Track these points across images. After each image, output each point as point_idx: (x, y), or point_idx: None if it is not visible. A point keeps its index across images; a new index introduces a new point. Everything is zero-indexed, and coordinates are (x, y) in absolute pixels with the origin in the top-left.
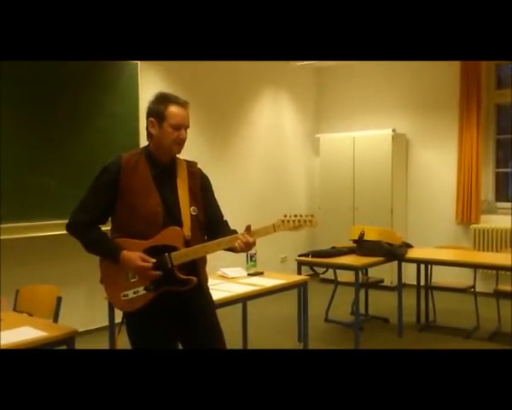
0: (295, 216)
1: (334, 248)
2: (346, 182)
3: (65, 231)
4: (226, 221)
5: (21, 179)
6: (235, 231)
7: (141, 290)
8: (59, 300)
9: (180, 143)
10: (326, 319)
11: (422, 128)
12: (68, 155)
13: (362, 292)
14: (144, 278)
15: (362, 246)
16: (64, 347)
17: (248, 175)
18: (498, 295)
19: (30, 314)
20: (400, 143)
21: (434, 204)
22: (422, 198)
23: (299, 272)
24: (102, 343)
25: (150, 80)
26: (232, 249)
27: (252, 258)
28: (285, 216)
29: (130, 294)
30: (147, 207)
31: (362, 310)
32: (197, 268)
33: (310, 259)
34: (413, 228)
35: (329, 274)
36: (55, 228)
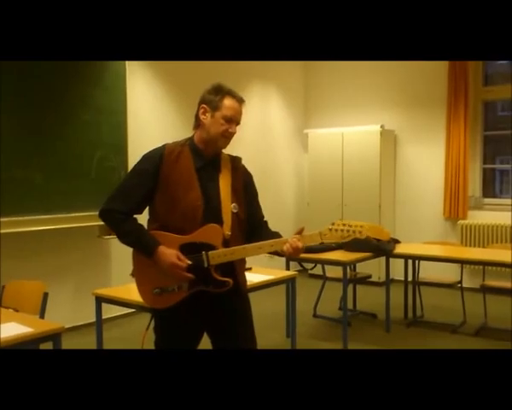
0: (344, 225)
1: (322, 243)
2: (335, 178)
3: (50, 226)
4: (266, 222)
5: (6, 174)
6: (277, 234)
7: (174, 288)
8: (45, 296)
9: (228, 136)
10: (314, 315)
11: (411, 124)
12: (54, 150)
13: (350, 288)
14: (176, 278)
15: (350, 242)
16: (50, 343)
17: None
18: (485, 290)
19: (16, 310)
20: (388, 139)
21: (422, 200)
22: (410, 194)
23: (288, 268)
24: (89, 340)
25: (138, 74)
26: (276, 253)
27: None
28: (333, 224)
29: (163, 290)
30: (187, 201)
31: (350, 305)
32: (234, 269)
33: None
34: (401, 224)
35: (318, 270)
36: (41, 223)
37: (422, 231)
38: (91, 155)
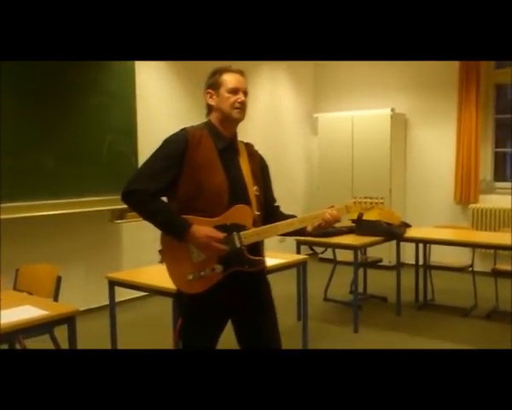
0: (365, 198)
1: (333, 227)
2: (345, 162)
3: (62, 211)
4: (279, 206)
5: (18, 159)
6: (292, 216)
7: (209, 271)
8: (59, 279)
9: (240, 107)
10: (325, 298)
11: (421, 108)
12: (65, 135)
13: (360, 271)
14: (211, 253)
15: (361, 226)
16: (65, 326)
17: None
18: (496, 274)
19: (30, 293)
20: (399, 123)
21: (433, 184)
22: (421, 178)
23: (299, 252)
24: (103, 322)
25: None
26: (299, 232)
27: None
28: (355, 198)
29: (198, 275)
30: (212, 184)
31: (360, 289)
32: (259, 249)
33: (309, 238)
34: (412, 208)
35: (328, 254)
36: (53, 207)
37: (433, 215)
38: (102, 140)
